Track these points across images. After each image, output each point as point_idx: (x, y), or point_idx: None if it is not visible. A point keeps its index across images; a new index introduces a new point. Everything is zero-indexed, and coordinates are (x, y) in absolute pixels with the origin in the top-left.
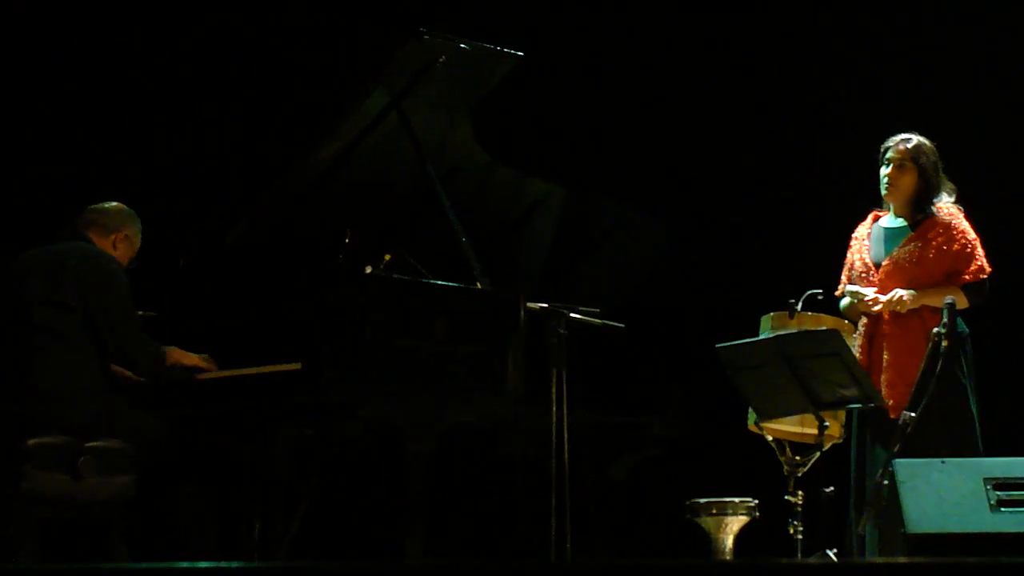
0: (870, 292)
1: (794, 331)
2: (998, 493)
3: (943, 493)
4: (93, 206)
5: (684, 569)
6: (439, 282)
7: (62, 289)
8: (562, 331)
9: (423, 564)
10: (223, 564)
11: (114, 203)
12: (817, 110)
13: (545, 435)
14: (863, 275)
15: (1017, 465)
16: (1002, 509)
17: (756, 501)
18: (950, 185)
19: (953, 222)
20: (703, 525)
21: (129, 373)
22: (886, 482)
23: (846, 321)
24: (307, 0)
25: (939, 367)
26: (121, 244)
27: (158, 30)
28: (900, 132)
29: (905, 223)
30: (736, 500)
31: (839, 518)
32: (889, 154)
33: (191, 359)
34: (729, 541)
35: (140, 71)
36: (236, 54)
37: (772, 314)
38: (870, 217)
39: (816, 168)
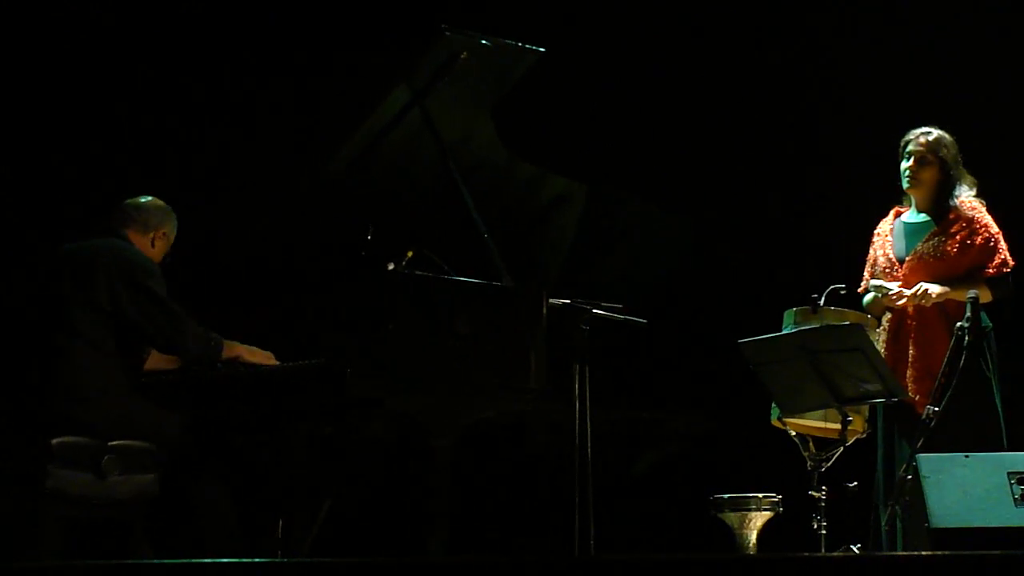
0: (894, 286)
1: (817, 326)
2: (1022, 487)
3: (967, 487)
4: (130, 201)
5: (707, 564)
6: (461, 278)
7: (92, 288)
8: (584, 327)
9: (446, 560)
10: (246, 560)
11: (150, 199)
12: (838, 106)
13: (568, 431)
14: (887, 271)
15: None
16: None
17: (779, 496)
18: (971, 178)
19: (976, 216)
20: (726, 520)
21: (169, 362)
22: (909, 477)
23: (869, 316)
24: None
25: (963, 361)
26: (159, 242)
27: (180, 24)
28: (920, 126)
29: (927, 218)
30: (759, 495)
31: (862, 513)
32: (910, 148)
33: (255, 356)
34: (753, 536)
35: (167, 66)
36: (259, 51)
37: (795, 309)
38: (892, 213)
39: (838, 164)
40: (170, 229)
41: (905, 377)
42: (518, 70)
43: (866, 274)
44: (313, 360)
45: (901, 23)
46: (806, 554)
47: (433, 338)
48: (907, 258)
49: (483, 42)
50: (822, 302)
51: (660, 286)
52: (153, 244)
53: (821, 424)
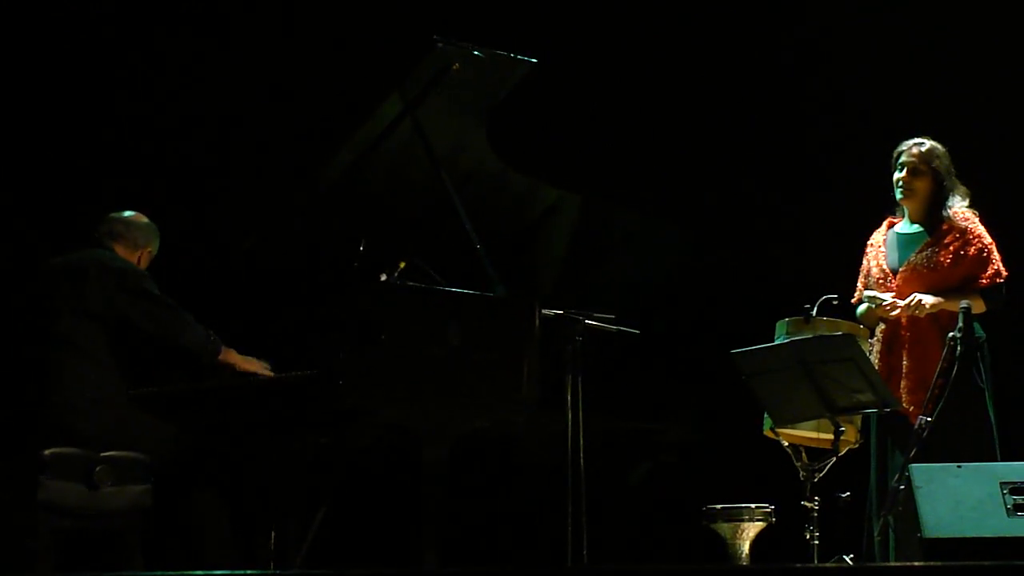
0: (888, 297)
1: (809, 336)
2: (1015, 497)
3: (960, 498)
4: (116, 216)
5: (700, 574)
6: (454, 289)
7: (84, 296)
8: (577, 337)
9: (439, 571)
10: (239, 572)
11: (134, 214)
12: (830, 117)
13: (561, 441)
14: (880, 281)
15: None
16: (1019, 513)
17: (772, 507)
18: (963, 189)
19: (969, 226)
20: (719, 531)
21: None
22: (902, 487)
23: (862, 327)
24: (322, 7)
25: (955, 372)
26: (144, 260)
27: (171, 35)
28: (913, 136)
29: (921, 228)
30: (752, 506)
31: (855, 523)
32: (903, 158)
33: (250, 364)
34: (746, 547)
35: (153, 75)
36: (251, 61)
37: (787, 319)
38: (885, 224)
39: (831, 174)
40: (155, 247)
41: (899, 388)
42: (511, 81)
43: (859, 285)
44: (306, 371)
45: (894, 33)
46: (799, 565)
47: (426, 349)
48: (900, 269)
49: (475, 53)
50: (815, 312)
51: (653, 296)
52: (139, 261)
53: (814, 434)
